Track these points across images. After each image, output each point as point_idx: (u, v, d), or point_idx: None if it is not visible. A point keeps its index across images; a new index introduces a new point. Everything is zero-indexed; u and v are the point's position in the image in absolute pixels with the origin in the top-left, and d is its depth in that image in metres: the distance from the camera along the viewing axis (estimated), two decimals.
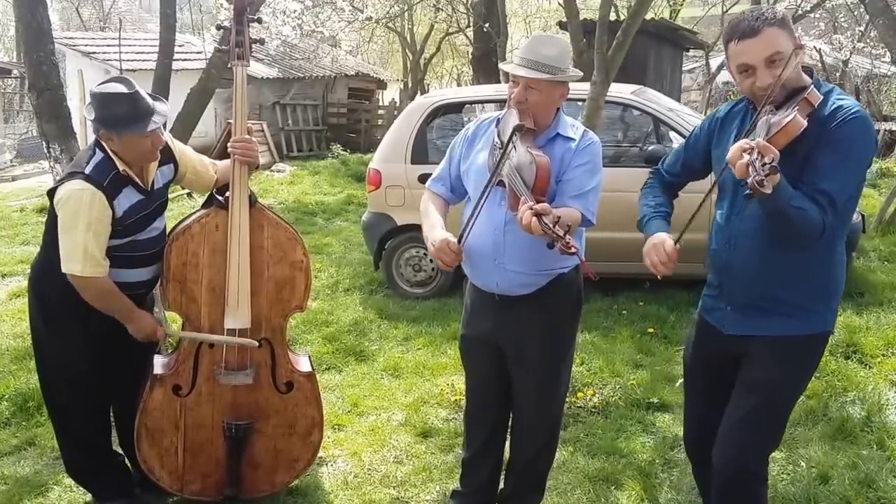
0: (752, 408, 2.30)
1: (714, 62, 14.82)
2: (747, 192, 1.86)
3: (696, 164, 2.52)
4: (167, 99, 6.74)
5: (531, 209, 2.23)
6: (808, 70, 2.21)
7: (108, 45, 16.10)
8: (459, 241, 2.56)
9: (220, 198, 2.99)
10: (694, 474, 2.76)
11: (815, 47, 16.60)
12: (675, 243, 2.24)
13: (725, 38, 2.22)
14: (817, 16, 17.37)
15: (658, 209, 2.49)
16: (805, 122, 2.04)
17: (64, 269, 2.74)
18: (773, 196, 1.92)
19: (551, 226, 2.17)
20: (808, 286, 2.24)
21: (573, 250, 2.15)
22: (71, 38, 17.88)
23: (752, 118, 2.18)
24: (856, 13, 15.64)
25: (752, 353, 2.31)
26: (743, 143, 1.96)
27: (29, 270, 3.06)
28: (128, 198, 2.81)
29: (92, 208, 2.69)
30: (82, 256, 2.70)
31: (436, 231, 2.67)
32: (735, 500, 2.38)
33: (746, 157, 1.89)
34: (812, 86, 2.14)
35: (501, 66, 2.76)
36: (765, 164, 1.84)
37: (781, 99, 2.13)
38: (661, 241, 2.26)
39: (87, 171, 2.74)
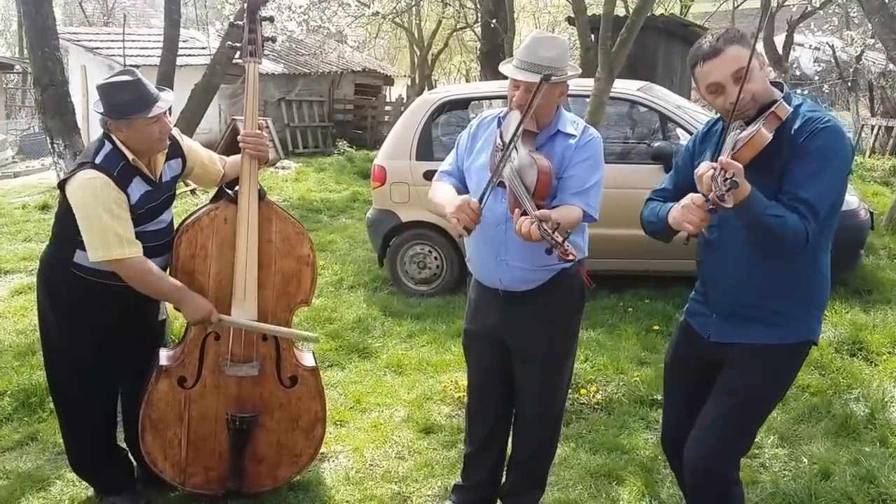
0: (726, 411, 2.31)
1: None
2: (710, 206, 1.91)
3: (684, 185, 2.45)
4: None
5: (530, 217, 2.23)
6: (777, 84, 2.24)
7: (112, 41, 16.13)
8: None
9: (229, 192, 3.02)
10: (674, 472, 2.75)
11: (827, 43, 16.52)
12: (705, 198, 2.14)
13: (690, 64, 2.24)
14: (830, 11, 17.30)
15: (664, 203, 2.42)
16: (770, 136, 2.07)
17: (100, 258, 2.74)
18: (747, 206, 1.97)
19: (550, 232, 2.17)
20: (792, 296, 2.26)
21: (570, 258, 2.15)
22: (74, 33, 17.88)
23: (722, 137, 2.18)
24: (865, 10, 15.56)
25: (733, 359, 2.33)
26: (708, 163, 2.00)
27: (38, 263, 3.08)
28: (138, 188, 2.84)
29: (106, 192, 2.72)
30: (115, 240, 2.72)
31: (454, 196, 2.61)
32: (706, 501, 2.39)
33: (710, 172, 1.93)
34: (781, 100, 2.17)
35: (501, 68, 2.75)
36: (726, 179, 1.87)
37: (753, 114, 2.15)
38: (690, 200, 2.11)
39: (97, 161, 2.77)
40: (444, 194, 2.74)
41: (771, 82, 2.24)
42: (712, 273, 2.36)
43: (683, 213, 2.16)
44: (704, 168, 1.98)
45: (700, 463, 2.34)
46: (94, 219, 2.72)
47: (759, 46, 2.22)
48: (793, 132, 2.13)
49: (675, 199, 2.46)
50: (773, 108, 2.12)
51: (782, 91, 2.23)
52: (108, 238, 2.72)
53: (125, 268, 2.78)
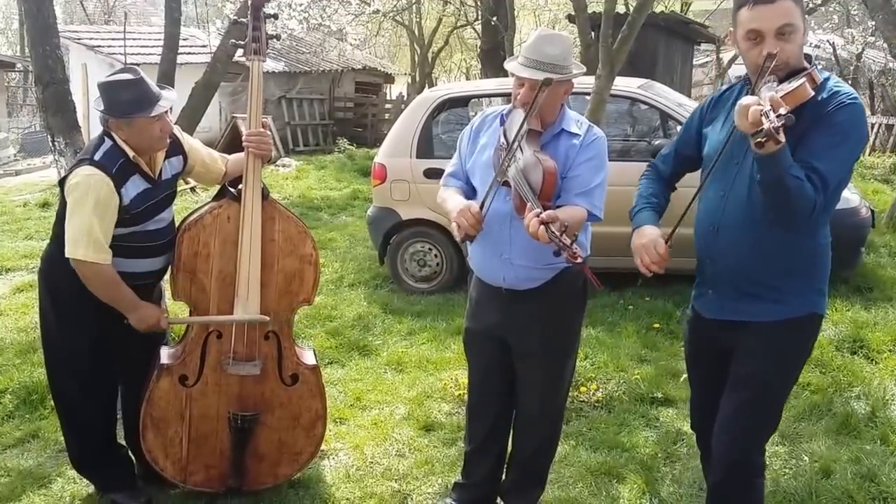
0: (745, 401, 2.31)
1: (725, 56, 14.77)
2: (759, 139, 1.82)
3: (689, 152, 2.50)
4: None
5: (538, 217, 2.21)
6: (806, 56, 2.22)
7: (113, 39, 16.14)
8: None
9: (232, 190, 3.02)
10: (702, 463, 2.75)
11: (827, 41, 16.50)
12: (667, 243, 2.23)
13: (738, 4, 2.17)
14: (830, 9, 17.27)
15: (650, 199, 2.48)
16: (812, 93, 2.04)
17: (68, 254, 2.75)
18: (777, 159, 1.91)
19: (558, 234, 2.15)
20: (792, 271, 2.24)
21: (579, 260, 2.13)
22: (75, 31, 17.89)
23: (754, 86, 2.14)
24: (868, 8, 15.53)
25: (741, 345, 2.32)
26: (750, 98, 1.94)
27: (39, 262, 3.09)
28: (135, 186, 2.83)
29: (99, 192, 2.72)
30: (86, 240, 2.71)
31: (460, 201, 2.61)
32: (732, 492, 2.38)
33: (758, 107, 1.86)
34: (813, 68, 2.16)
35: (506, 65, 2.74)
36: (779, 114, 1.82)
37: (783, 75, 2.12)
38: (653, 242, 2.24)
39: (96, 157, 2.77)
40: (451, 202, 2.71)
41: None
42: (710, 248, 2.33)
43: (640, 250, 2.24)
44: (749, 100, 1.91)
45: (727, 456, 2.34)
46: (79, 213, 2.71)
47: None
48: (818, 101, 2.11)
49: (674, 164, 2.55)
50: (809, 70, 2.10)
51: (810, 62, 2.21)
52: (82, 236, 2.71)
53: (85, 269, 2.76)
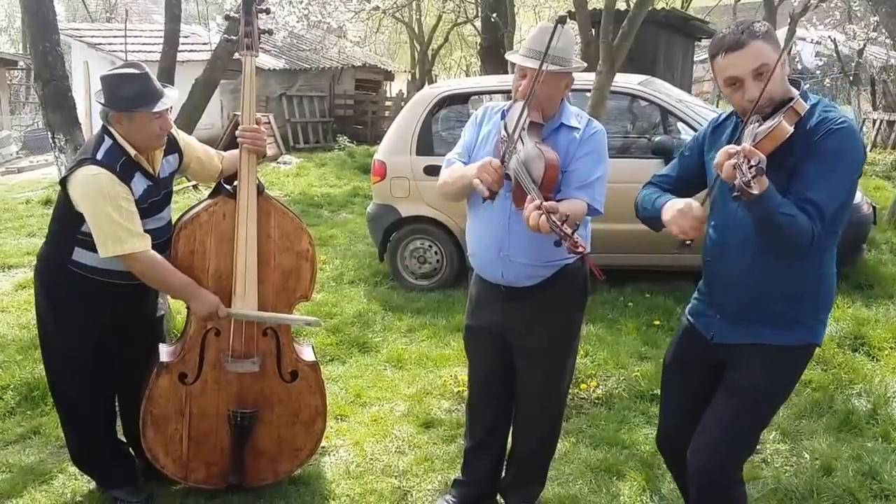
0: (733, 413, 2.29)
1: None
2: (735, 193, 1.86)
3: (688, 175, 2.45)
4: None
5: (539, 208, 2.20)
6: (795, 83, 2.22)
7: (114, 36, 16.15)
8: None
9: (227, 187, 3.01)
10: (671, 472, 2.73)
11: (829, 37, 16.48)
12: (703, 204, 2.16)
13: (711, 53, 2.20)
14: (832, 5, 17.26)
15: (662, 192, 2.42)
16: (791, 129, 2.05)
17: (112, 254, 2.72)
18: (761, 201, 1.93)
19: (559, 224, 2.14)
20: (798, 300, 2.23)
21: (581, 249, 2.12)
22: (77, 28, 17.93)
23: (740, 130, 2.16)
24: (871, 1, 15.49)
25: (738, 359, 2.30)
26: (728, 147, 1.97)
27: (35, 261, 3.08)
28: (139, 183, 2.83)
29: (112, 188, 2.71)
30: (126, 234, 2.72)
31: (469, 165, 2.58)
32: (711, 503, 2.36)
33: (733, 160, 1.89)
34: (798, 96, 2.14)
35: (508, 56, 2.74)
36: (751, 166, 1.84)
37: (769, 111, 2.12)
38: (689, 207, 2.15)
39: (98, 156, 2.76)
40: (460, 168, 2.70)
41: (789, 79, 2.21)
42: (718, 274, 2.32)
43: (677, 217, 2.16)
44: (724, 156, 1.95)
45: (706, 468, 2.32)
46: (102, 215, 2.71)
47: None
48: (807, 130, 2.10)
49: (675, 186, 2.47)
50: (791, 104, 2.10)
51: (799, 88, 2.20)
52: (118, 233, 2.71)
53: (137, 262, 2.77)
